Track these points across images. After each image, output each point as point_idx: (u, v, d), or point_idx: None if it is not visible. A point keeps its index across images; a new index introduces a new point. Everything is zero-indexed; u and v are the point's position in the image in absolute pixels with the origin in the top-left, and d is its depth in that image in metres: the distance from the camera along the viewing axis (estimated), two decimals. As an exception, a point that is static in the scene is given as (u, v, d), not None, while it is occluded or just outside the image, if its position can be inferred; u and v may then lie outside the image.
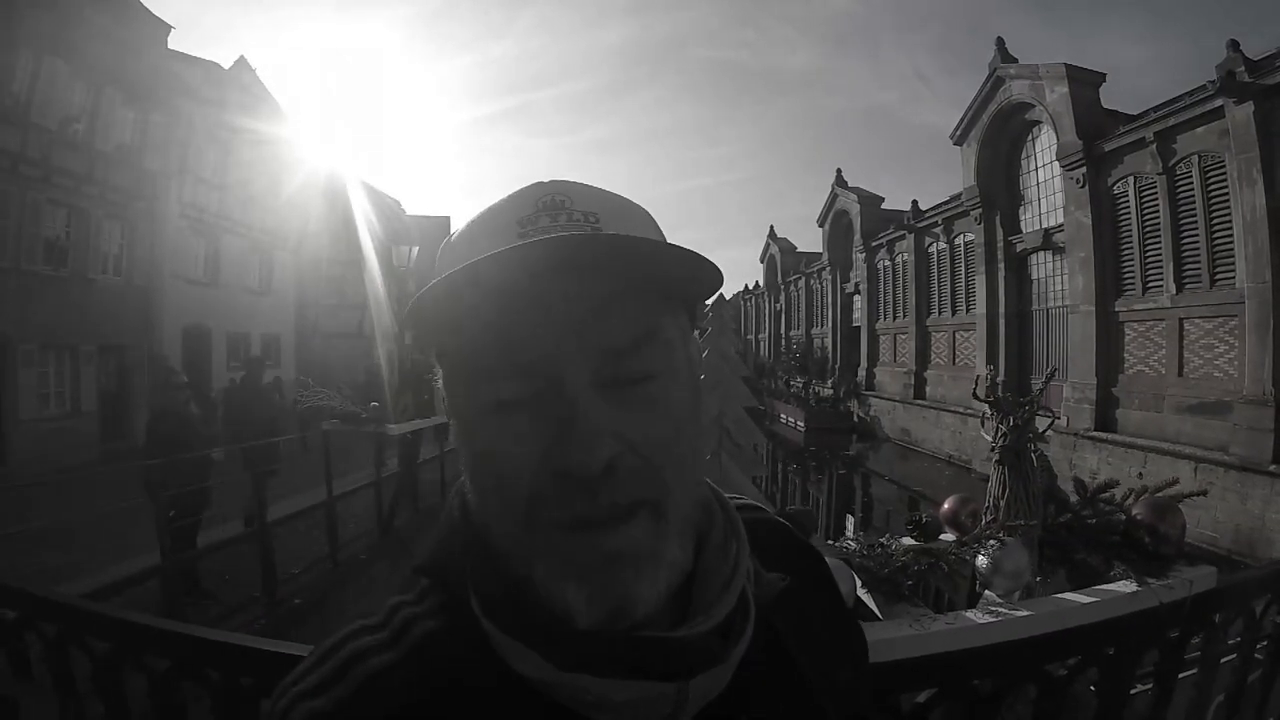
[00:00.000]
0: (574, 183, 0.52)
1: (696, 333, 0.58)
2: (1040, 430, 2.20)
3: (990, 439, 2.18)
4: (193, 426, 6.59)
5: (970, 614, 1.69)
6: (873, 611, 1.93)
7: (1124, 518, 2.11)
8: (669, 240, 0.53)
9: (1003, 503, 2.08)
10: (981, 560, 1.86)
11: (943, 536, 2.20)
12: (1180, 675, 1.91)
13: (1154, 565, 1.94)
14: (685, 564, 0.50)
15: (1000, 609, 1.69)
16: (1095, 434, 15.01)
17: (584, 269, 0.46)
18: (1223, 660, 2.10)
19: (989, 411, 2.27)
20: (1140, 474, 13.17)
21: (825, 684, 0.58)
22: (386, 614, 0.53)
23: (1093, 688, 1.69)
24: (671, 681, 0.46)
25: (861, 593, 1.95)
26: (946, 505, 2.27)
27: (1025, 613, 1.70)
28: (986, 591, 1.89)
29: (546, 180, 0.53)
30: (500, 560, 0.49)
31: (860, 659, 0.70)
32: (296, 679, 0.50)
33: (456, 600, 0.51)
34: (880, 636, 1.54)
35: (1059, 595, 1.88)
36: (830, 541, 2.32)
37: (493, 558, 0.50)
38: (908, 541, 2.10)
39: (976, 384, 2.34)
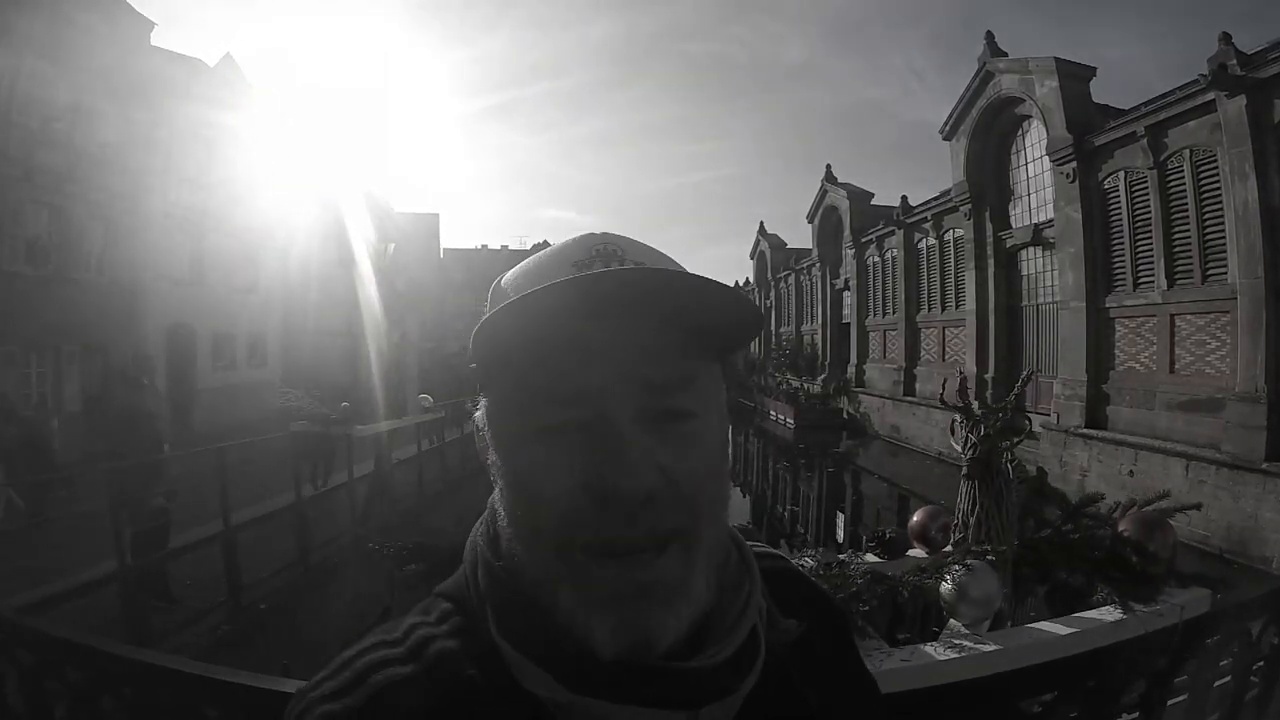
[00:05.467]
0: (625, 237, 0.57)
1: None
2: (1015, 440, 1.98)
3: (959, 450, 1.98)
4: (146, 425, 6.39)
5: (929, 648, 1.51)
6: None
7: (1110, 533, 1.93)
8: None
9: (972, 521, 1.89)
10: (946, 587, 1.67)
11: (911, 552, 2.02)
12: (1170, 702, 1.76)
13: (1141, 588, 1.76)
14: (707, 600, 0.52)
15: (966, 642, 1.51)
16: (1086, 431, 14.91)
17: (632, 307, 0.48)
18: (1215, 684, 1.95)
19: (958, 418, 2.02)
20: (1131, 471, 13.11)
21: None
22: (404, 631, 0.54)
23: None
24: (682, 710, 0.48)
25: None
26: (916, 518, 2.08)
27: (993, 647, 1.51)
28: (951, 621, 1.70)
29: (599, 231, 0.57)
30: (524, 585, 0.51)
31: (873, 706, 0.70)
32: (314, 686, 0.51)
33: (474, 623, 0.53)
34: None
35: (1033, 625, 1.69)
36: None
37: (516, 582, 0.52)
38: (870, 559, 1.92)
39: (944, 386, 2.13)
